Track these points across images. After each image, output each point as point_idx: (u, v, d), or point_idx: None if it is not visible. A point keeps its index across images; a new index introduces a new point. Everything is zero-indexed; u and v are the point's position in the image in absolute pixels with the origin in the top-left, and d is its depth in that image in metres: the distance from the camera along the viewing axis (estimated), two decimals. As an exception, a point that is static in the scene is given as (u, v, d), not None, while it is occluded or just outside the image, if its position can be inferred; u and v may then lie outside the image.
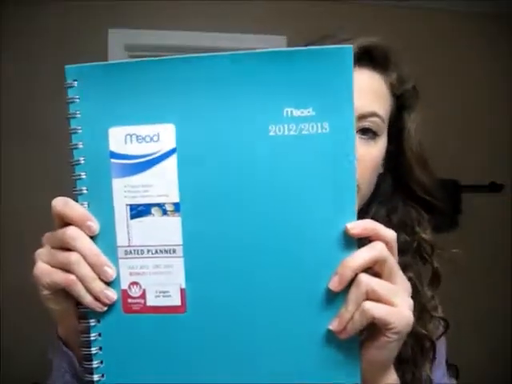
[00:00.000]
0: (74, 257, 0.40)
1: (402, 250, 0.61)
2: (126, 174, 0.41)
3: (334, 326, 0.40)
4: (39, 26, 2.07)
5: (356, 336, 0.40)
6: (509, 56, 2.40)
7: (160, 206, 0.41)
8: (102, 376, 0.43)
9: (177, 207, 0.41)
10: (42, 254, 0.42)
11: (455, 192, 2.31)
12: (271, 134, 0.39)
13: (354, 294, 0.39)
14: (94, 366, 0.43)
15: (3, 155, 2.03)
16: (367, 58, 0.60)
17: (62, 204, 0.41)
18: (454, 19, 2.38)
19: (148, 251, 0.42)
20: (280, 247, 0.40)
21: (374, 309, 0.38)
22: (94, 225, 0.41)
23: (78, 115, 0.42)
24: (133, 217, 0.41)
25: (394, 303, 0.39)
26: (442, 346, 0.66)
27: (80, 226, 0.41)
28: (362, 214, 0.66)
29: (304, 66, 0.38)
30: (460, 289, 2.31)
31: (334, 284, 0.39)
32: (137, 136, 0.41)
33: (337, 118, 0.38)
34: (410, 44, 2.36)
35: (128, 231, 0.42)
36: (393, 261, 0.40)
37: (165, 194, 0.41)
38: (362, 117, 0.57)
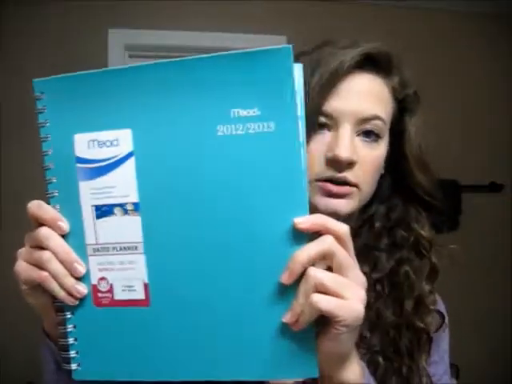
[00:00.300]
0: (46, 255, 0.44)
1: (400, 246, 0.64)
2: (91, 177, 0.44)
3: (286, 318, 0.41)
4: (39, 26, 2.07)
5: (311, 328, 0.42)
6: (509, 56, 2.40)
7: (121, 205, 0.44)
8: (79, 365, 0.47)
9: (136, 207, 0.44)
10: (22, 252, 0.47)
11: (455, 192, 2.31)
12: (219, 133, 0.41)
13: (303, 287, 0.40)
14: (71, 355, 0.46)
15: (3, 155, 2.03)
16: (369, 63, 0.61)
17: (35, 207, 0.45)
18: (453, 19, 2.38)
19: (113, 248, 0.45)
20: (232, 243, 0.42)
21: (322, 301, 0.39)
22: (64, 225, 0.44)
23: (47, 124, 0.46)
24: (98, 217, 0.44)
25: (344, 296, 0.40)
26: (443, 342, 0.66)
27: (52, 226, 0.44)
28: (362, 213, 0.67)
29: (247, 67, 0.40)
30: (460, 289, 2.31)
31: (285, 278, 0.40)
32: (98, 141, 0.44)
33: (281, 116, 0.40)
34: (410, 44, 2.36)
35: (95, 230, 0.45)
36: (343, 254, 0.40)
37: (125, 195, 0.44)
38: (364, 120, 0.58)
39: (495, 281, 2.37)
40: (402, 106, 0.64)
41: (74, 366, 0.47)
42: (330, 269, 0.41)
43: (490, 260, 2.35)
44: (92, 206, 0.45)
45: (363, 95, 0.59)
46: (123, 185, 0.43)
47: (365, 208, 0.67)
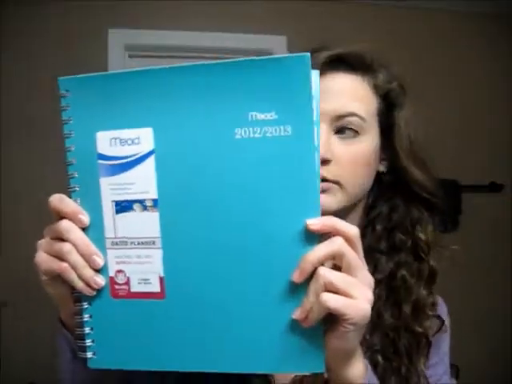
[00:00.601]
0: (66, 247, 0.45)
1: (398, 249, 0.65)
2: (112, 174, 0.46)
3: (296, 314, 0.43)
4: (39, 26, 2.07)
5: (319, 326, 0.43)
6: (509, 56, 2.40)
7: (141, 202, 0.46)
8: (94, 354, 0.48)
9: (155, 203, 0.45)
10: (42, 244, 0.48)
11: (455, 192, 2.31)
12: (237, 136, 0.43)
13: (313, 285, 0.42)
14: (87, 344, 0.48)
15: (3, 155, 2.03)
16: (344, 63, 0.64)
17: (57, 200, 0.47)
18: (453, 19, 2.38)
19: (131, 242, 0.46)
20: (246, 242, 0.44)
21: (330, 300, 0.41)
22: (85, 218, 0.46)
23: (71, 121, 0.47)
24: (118, 212, 0.46)
25: (352, 295, 0.41)
26: (443, 344, 0.67)
27: (72, 219, 0.46)
28: (368, 214, 0.68)
29: (266, 73, 0.41)
30: (460, 289, 2.31)
31: (296, 276, 0.42)
32: (120, 139, 0.45)
33: (298, 121, 0.42)
34: (410, 44, 2.36)
35: (114, 224, 0.47)
36: (352, 255, 0.42)
37: (145, 191, 0.45)
38: (339, 117, 0.60)
39: (495, 281, 2.37)
40: (389, 102, 0.66)
41: (89, 355, 0.48)
42: (339, 268, 0.43)
43: (490, 260, 2.35)
44: (112, 201, 0.46)
45: (336, 94, 0.61)
46: (143, 181, 0.45)
47: (370, 208, 0.68)
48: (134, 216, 0.46)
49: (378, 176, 0.67)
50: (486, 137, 2.40)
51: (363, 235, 0.64)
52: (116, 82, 0.46)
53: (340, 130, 0.61)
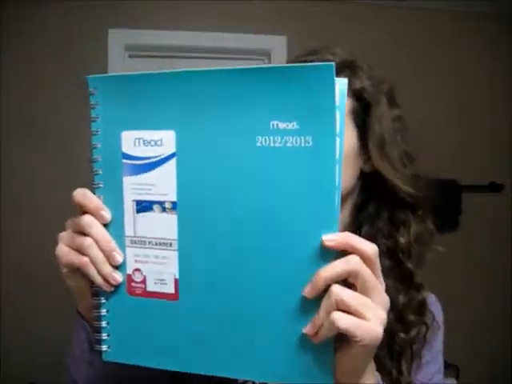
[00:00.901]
0: (87, 241, 0.46)
1: (381, 253, 0.63)
2: (134, 173, 0.47)
3: (307, 329, 0.42)
4: (39, 26, 2.07)
5: (330, 342, 0.43)
6: (509, 56, 2.40)
7: (160, 203, 0.46)
8: (109, 347, 0.50)
9: (174, 206, 0.46)
10: (64, 236, 0.48)
11: (455, 192, 2.31)
12: (258, 144, 0.42)
13: (325, 302, 0.41)
14: (103, 337, 0.50)
15: (3, 155, 2.03)
16: None
17: (80, 195, 0.47)
18: (453, 19, 2.38)
19: (149, 242, 0.47)
20: (262, 252, 0.43)
21: (341, 319, 0.40)
22: (107, 214, 0.47)
23: (98, 119, 0.48)
24: (138, 211, 0.47)
25: (365, 316, 0.40)
26: (436, 342, 0.66)
27: (95, 214, 0.47)
28: (355, 214, 0.68)
29: (289, 82, 0.41)
30: (460, 289, 2.31)
31: (307, 291, 0.41)
32: (144, 140, 0.46)
33: (319, 132, 0.41)
34: (410, 44, 2.36)
35: (134, 223, 0.47)
36: (368, 274, 0.41)
37: (165, 193, 0.46)
38: None
39: (495, 281, 2.37)
40: (364, 102, 0.65)
41: (104, 348, 0.49)
42: (355, 286, 0.42)
43: (490, 260, 2.35)
44: (133, 200, 0.47)
45: None
46: (164, 183, 0.46)
47: (360, 209, 0.68)
48: (154, 217, 0.46)
49: (365, 176, 0.66)
50: (486, 137, 2.40)
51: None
52: (142, 82, 0.46)
53: None
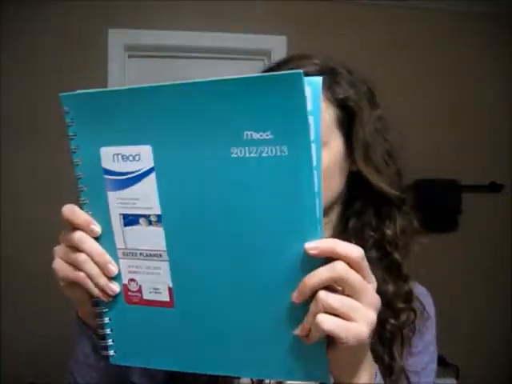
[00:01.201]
0: (81, 257, 0.47)
1: (368, 246, 0.66)
2: (117, 188, 0.47)
3: (297, 332, 0.43)
4: (39, 26, 2.07)
5: (322, 342, 0.44)
6: (509, 56, 2.40)
7: (146, 217, 0.46)
8: (115, 352, 0.51)
9: (159, 218, 0.46)
10: (58, 251, 0.49)
11: (455, 192, 2.31)
12: (233, 155, 0.42)
13: (312, 307, 0.42)
14: (109, 344, 0.51)
15: (3, 155, 2.03)
16: None
17: (69, 211, 0.48)
18: (453, 19, 2.38)
19: (140, 254, 0.47)
20: (250, 262, 0.44)
21: (326, 322, 0.41)
22: (96, 228, 0.48)
23: (76, 136, 0.48)
24: (126, 224, 0.47)
25: (352, 318, 0.41)
26: (427, 332, 0.68)
27: (85, 229, 0.48)
28: (344, 210, 0.70)
29: (260, 92, 0.40)
30: (460, 289, 2.32)
31: (295, 297, 0.42)
32: (122, 155, 0.46)
33: (294, 141, 0.40)
34: (410, 44, 2.36)
35: (123, 236, 0.48)
36: (354, 279, 0.41)
37: (149, 207, 0.46)
38: None
39: (495, 281, 2.37)
40: (348, 109, 0.66)
41: (111, 353, 0.51)
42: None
43: (490, 260, 2.35)
44: (119, 214, 0.47)
45: None
46: (146, 197, 0.46)
47: (347, 205, 0.70)
48: (141, 229, 0.47)
49: (352, 174, 0.68)
50: (485, 137, 2.40)
51: (341, 231, 0.69)
52: (115, 98, 0.46)
53: None
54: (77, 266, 0.48)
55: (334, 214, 0.70)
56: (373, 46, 2.28)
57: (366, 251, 0.67)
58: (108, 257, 0.48)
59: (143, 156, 0.45)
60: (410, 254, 0.68)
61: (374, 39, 2.29)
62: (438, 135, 2.33)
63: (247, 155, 0.41)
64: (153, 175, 0.45)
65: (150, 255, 0.47)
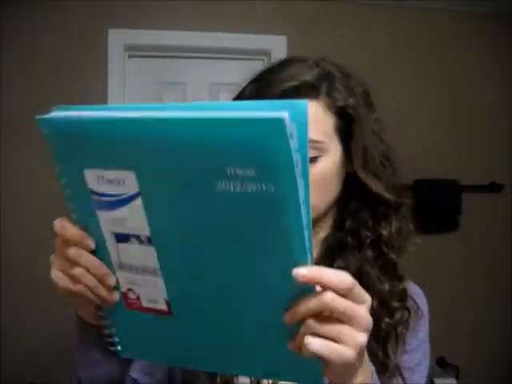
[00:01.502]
0: (79, 271, 0.48)
1: (364, 245, 0.68)
2: (105, 208, 0.46)
3: (290, 346, 0.45)
4: (39, 26, 2.07)
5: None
6: (509, 56, 2.40)
7: (136, 236, 0.46)
8: (120, 348, 0.54)
9: (149, 239, 0.46)
10: (56, 262, 0.50)
11: (455, 192, 2.31)
12: (218, 189, 0.41)
13: (302, 328, 0.43)
14: (115, 341, 0.54)
15: (3, 155, 2.03)
16: (296, 93, 0.64)
17: (59, 227, 0.48)
18: (453, 19, 2.38)
19: (136, 269, 0.48)
20: (238, 287, 0.45)
21: (313, 344, 0.42)
22: (90, 242, 0.48)
23: (57, 157, 0.47)
24: (118, 241, 0.47)
25: (340, 341, 0.42)
26: (420, 330, 0.70)
27: (78, 245, 0.48)
28: (339, 210, 0.71)
29: (242, 131, 0.39)
30: (460, 289, 2.32)
31: (286, 320, 0.44)
32: (106, 179, 0.45)
33: (279, 179, 0.39)
34: (410, 44, 2.36)
35: (117, 252, 0.48)
36: (343, 306, 0.42)
37: (138, 228, 0.46)
38: None
39: (495, 281, 2.37)
40: (347, 116, 0.67)
41: (118, 348, 0.54)
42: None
43: (490, 260, 2.35)
44: (111, 231, 0.47)
45: None
46: (135, 219, 0.45)
47: (343, 204, 0.71)
48: (133, 247, 0.47)
49: (349, 176, 0.69)
50: (486, 137, 2.40)
51: (338, 230, 0.70)
52: (92, 126, 0.44)
53: None
54: (75, 280, 0.48)
55: (331, 214, 0.71)
56: (373, 46, 2.28)
57: (362, 250, 0.68)
58: (105, 269, 0.48)
59: (127, 181, 0.44)
60: (404, 255, 0.69)
61: (374, 39, 2.29)
62: (438, 135, 2.33)
63: (232, 190, 0.40)
64: (139, 200, 0.44)
65: (144, 271, 0.47)
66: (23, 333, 1.98)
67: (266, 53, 2.24)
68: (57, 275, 0.49)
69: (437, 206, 2.27)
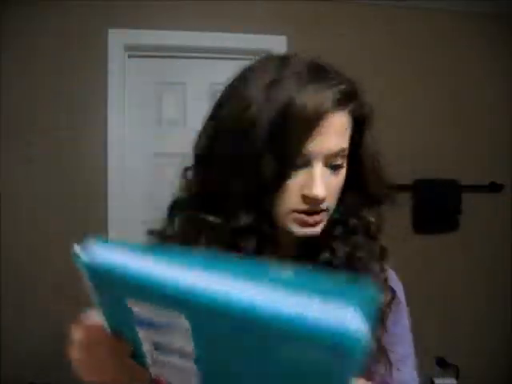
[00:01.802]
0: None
1: (353, 232, 0.70)
2: (148, 328, 0.45)
3: None
4: (39, 26, 2.07)
5: None
6: (509, 56, 2.40)
7: (179, 353, 0.44)
8: None
9: (194, 360, 0.44)
10: (80, 346, 0.52)
11: (455, 192, 2.31)
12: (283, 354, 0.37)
13: None
14: None
15: (3, 155, 2.03)
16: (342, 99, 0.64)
17: (94, 330, 0.51)
18: (453, 19, 2.38)
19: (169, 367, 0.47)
20: None
21: None
22: (128, 347, 0.50)
23: (94, 286, 0.45)
24: (156, 349, 0.46)
25: None
26: (400, 316, 0.72)
27: (116, 349, 0.50)
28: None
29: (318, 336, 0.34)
30: (460, 289, 2.32)
31: None
32: (151, 309, 0.43)
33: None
34: (410, 44, 2.36)
35: (153, 362, 0.48)
36: None
37: (183, 347, 0.43)
38: (333, 155, 0.62)
39: (495, 281, 2.37)
40: (360, 125, 0.68)
41: None
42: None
43: (490, 260, 2.35)
44: (151, 344, 0.46)
45: (334, 133, 0.62)
46: (180, 342, 0.43)
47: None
48: (174, 361, 0.46)
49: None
50: (486, 137, 2.40)
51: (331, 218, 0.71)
52: (142, 280, 0.40)
53: (331, 166, 0.63)
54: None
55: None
56: (373, 46, 2.29)
57: (352, 238, 0.70)
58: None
59: (176, 320, 0.40)
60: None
61: (374, 39, 2.29)
62: (438, 135, 2.33)
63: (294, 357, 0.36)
64: (188, 330, 0.41)
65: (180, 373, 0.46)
66: (23, 333, 1.98)
67: (266, 53, 2.24)
68: (81, 357, 0.51)
69: (437, 206, 2.27)
